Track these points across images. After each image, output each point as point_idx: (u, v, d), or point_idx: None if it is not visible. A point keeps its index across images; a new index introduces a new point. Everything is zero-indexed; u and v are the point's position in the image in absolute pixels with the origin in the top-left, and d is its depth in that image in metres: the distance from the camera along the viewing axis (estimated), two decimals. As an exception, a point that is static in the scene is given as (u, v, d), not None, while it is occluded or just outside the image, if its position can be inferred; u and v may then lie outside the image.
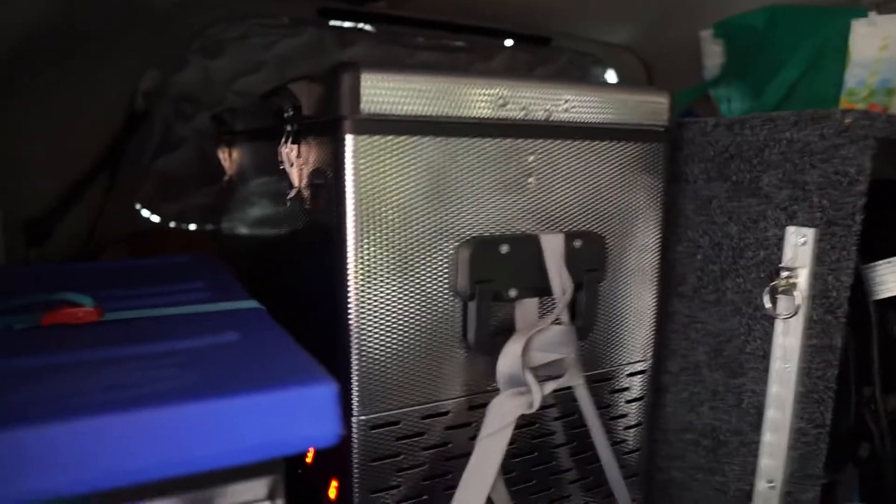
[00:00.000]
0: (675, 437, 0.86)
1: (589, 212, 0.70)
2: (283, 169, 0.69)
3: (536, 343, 0.64)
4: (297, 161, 0.68)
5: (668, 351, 0.86)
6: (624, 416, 0.78)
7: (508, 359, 0.63)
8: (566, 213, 0.69)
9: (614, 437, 0.77)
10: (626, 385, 0.78)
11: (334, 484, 0.67)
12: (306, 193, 0.68)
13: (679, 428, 0.86)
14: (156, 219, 1.20)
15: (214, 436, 0.39)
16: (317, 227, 0.66)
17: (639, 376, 0.78)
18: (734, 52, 1.06)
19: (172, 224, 1.22)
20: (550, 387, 0.64)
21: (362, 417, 0.61)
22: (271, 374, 0.43)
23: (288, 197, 0.69)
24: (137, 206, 1.19)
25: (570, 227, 0.69)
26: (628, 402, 0.78)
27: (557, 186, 0.68)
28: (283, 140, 0.68)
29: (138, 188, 1.16)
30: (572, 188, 0.69)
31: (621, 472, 0.71)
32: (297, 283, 0.74)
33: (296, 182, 0.69)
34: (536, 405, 0.63)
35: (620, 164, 0.71)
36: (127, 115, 1.00)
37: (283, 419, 0.41)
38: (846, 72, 0.95)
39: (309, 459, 0.74)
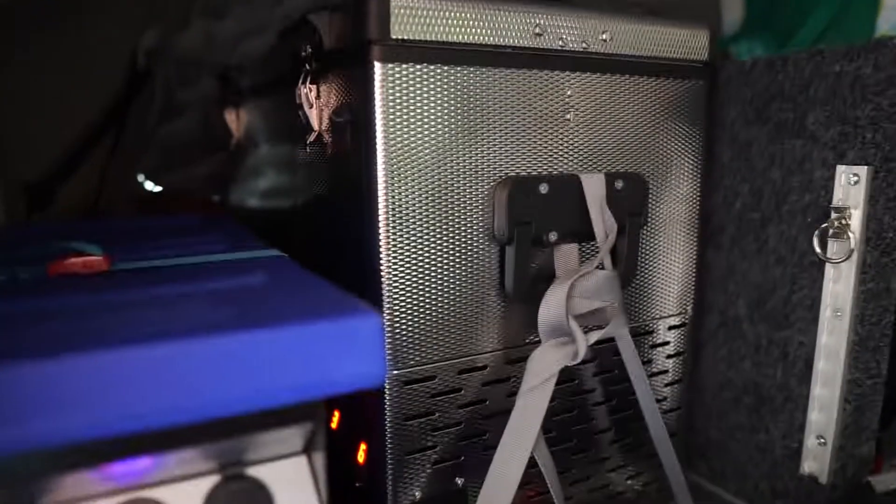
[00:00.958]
0: (713, 397, 0.82)
1: (628, 154, 0.66)
2: (302, 114, 0.65)
3: (579, 289, 0.60)
4: (316, 102, 0.64)
5: (705, 306, 0.82)
6: (664, 371, 0.74)
7: (551, 306, 0.59)
8: (606, 153, 0.64)
9: (655, 394, 0.73)
10: (667, 339, 0.73)
11: (363, 447, 0.63)
12: (327, 137, 0.63)
13: (717, 386, 0.82)
14: (159, 190, 1.15)
15: (249, 373, 0.35)
16: (340, 171, 0.62)
17: (679, 330, 0.74)
18: (755, 4, 1.02)
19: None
20: (595, 336, 0.60)
21: (394, 372, 0.57)
22: (309, 308, 0.39)
23: (308, 141, 0.64)
24: (140, 178, 1.14)
25: (610, 168, 0.65)
26: (668, 357, 0.74)
27: (596, 124, 0.63)
28: (301, 80, 0.63)
29: (141, 157, 1.11)
30: (611, 127, 0.64)
31: (664, 422, 0.67)
32: (318, 235, 0.69)
33: (315, 125, 0.64)
34: (581, 355, 0.59)
35: (660, 103, 0.67)
36: (128, 75, 0.95)
37: (325, 354, 0.36)
38: (878, 16, 0.90)
39: (334, 425, 0.69)
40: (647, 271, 0.70)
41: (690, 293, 0.75)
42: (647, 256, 0.70)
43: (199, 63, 1.16)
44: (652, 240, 0.70)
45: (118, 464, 0.36)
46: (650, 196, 0.68)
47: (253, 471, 0.41)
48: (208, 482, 0.39)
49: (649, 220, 0.69)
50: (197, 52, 1.14)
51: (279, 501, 0.40)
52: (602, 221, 0.61)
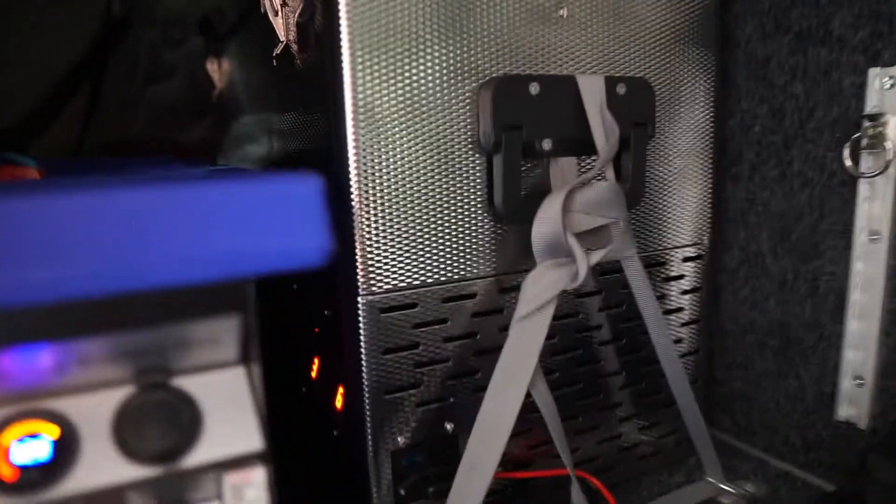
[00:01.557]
0: (735, 343, 0.75)
1: (631, 63, 0.59)
2: (270, 26, 0.58)
3: (579, 202, 0.52)
4: (281, 9, 0.57)
5: (723, 244, 0.74)
6: (679, 310, 0.66)
7: (546, 220, 0.51)
8: (605, 56, 0.57)
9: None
10: (681, 272, 0.66)
11: (340, 391, 0.56)
12: (294, 47, 0.56)
13: (739, 331, 0.74)
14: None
15: (172, 230, 0.28)
16: (310, 79, 0.55)
17: (694, 263, 0.66)
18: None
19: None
20: (598, 256, 0.53)
21: (369, 297, 0.50)
22: (247, 176, 0.32)
23: (274, 54, 0.58)
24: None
25: (612, 73, 0.57)
26: (683, 293, 0.67)
27: (594, 23, 0.56)
28: (265, -15, 0.56)
29: (126, 122, 1.05)
30: (611, 29, 0.57)
31: (682, 365, 0.59)
32: (288, 151, 0.62)
33: (282, 34, 0.57)
34: (582, 277, 0.51)
35: (666, 22, 0.60)
36: (103, 23, 0.89)
37: (257, 216, 0.29)
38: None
39: (314, 373, 0.62)
40: (656, 198, 0.63)
41: (706, 223, 0.67)
42: (657, 183, 0.63)
43: (184, 22, 1.10)
44: (662, 167, 0.63)
45: (5, 357, 0.29)
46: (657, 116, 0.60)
47: (178, 382, 0.34)
48: (121, 392, 0.33)
49: (657, 146, 0.61)
50: (181, 13, 1.08)
51: (210, 417, 0.33)
52: (602, 126, 0.54)
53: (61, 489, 0.30)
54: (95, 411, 0.32)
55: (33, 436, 0.31)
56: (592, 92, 0.54)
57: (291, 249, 0.30)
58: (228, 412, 0.33)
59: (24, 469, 0.30)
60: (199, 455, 0.32)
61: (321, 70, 0.50)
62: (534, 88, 0.52)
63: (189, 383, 0.34)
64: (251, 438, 0.33)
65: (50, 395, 0.32)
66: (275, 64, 0.60)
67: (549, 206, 0.52)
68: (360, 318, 0.50)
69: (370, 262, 0.50)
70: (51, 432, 0.31)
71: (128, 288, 0.27)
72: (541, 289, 0.52)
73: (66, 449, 0.31)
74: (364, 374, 0.51)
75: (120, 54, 1.00)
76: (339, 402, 0.57)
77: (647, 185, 0.61)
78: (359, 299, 0.50)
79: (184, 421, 0.32)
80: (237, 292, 0.32)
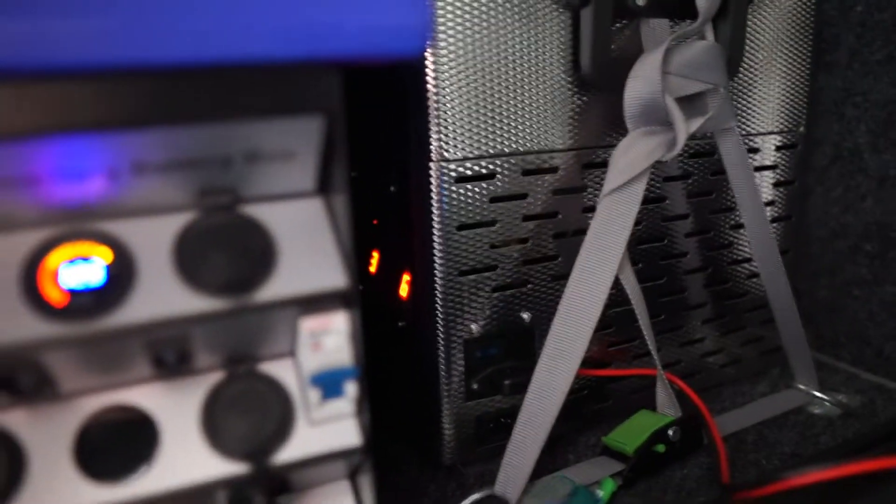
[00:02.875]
0: (823, 250, 0.68)
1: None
2: None
3: (676, 63, 0.46)
4: None
5: (812, 142, 0.68)
6: (770, 203, 0.60)
7: (642, 80, 0.45)
8: None
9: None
10: (773, 161, 0.59)
11: (406, 279, 0.51)
12: None
13: (828, 236, 0.68)
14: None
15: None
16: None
17: (788, 152, 0.60)
18: None
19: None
20: (697, 123, 0.47)
21: (443, 164, 0.44)
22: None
23: None
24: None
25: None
26: (776, 185, 0.60)
27: None
28: None
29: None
30: None
31: (780, 258, 0.54)
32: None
33: None
34: (681, 144, 0.45)
35: None
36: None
37: None
38: None
39: (373, 268, 0.57)
40: (748, 80, 0.56)
41: (802, 110, 0.60)
42: (749, 67, 0.56)
43: None
44: (754, 52, 0.56)
45: (51, 153, 0.24)
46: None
47: (250, 209, 0.28)
48: (183, 217, 0.28)
49: (750, 31, 0.55)
50: None
51: (283, 245, 0.28)
52: (704, -22, 0.47)
53: (116, 318, 0.26)
54: (154, 235, 0.27)
55: (85, 259, 0.26)
56: (693, -61, 0.48)
57: (386, 25, 0.24)
58: (306, 244, 0.28)
59: (74, 294, 0.25)
60: (272, 290, 0.27)
61: None
62: (629, -70, 0.46)
63: (260, 211, 0.29)
64: (332, 274, 0.28)
65: (103, 215, 0.27)
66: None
67: (646, 64, 0.45)
68: (433, 187, 0.45)
69: (444, 125, 0.44)
70: (104, 255, 0.26)
71: (186, 56, 0.22)
72: (633, 158, 0.46)
73: (120, 274, 0.26)
74: (436, 251, 0.46)
75: None
76: (404, 292, 0.52)
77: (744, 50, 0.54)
78: (431, 165, 0.45)
79: (254, 249, 0.27)
80: (319, 86, 0.26)
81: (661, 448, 0.49)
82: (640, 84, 0.46)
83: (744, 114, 0.57)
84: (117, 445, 0.29)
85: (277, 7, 0.23)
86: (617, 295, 0.51)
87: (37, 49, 0.21)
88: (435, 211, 0.46)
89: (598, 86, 0.48)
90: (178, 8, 0.22)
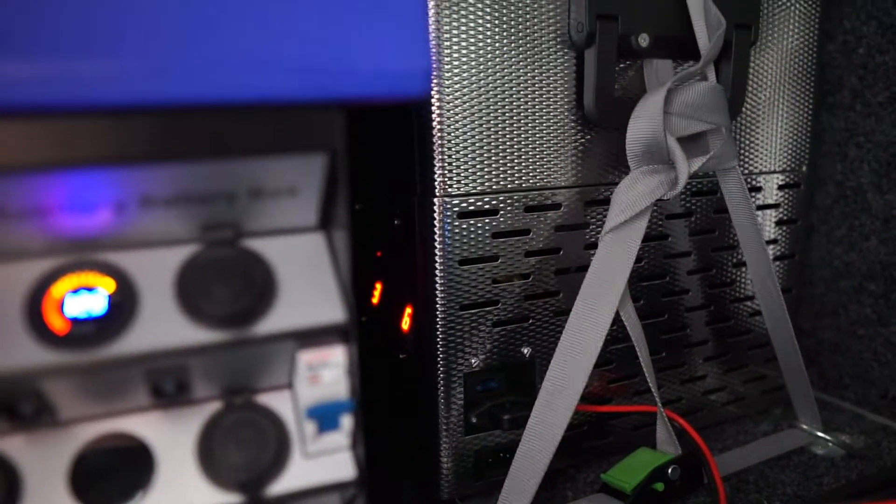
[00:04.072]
0: (827, 289, 0.68)
1: None
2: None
3: (678, 103, 0.47)
4: None
5: (816, 181, 0.68)
6: (772, 241, 0.61)
7: (645, 120, 0.46)
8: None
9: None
10: (776, 201, 0.60)
11: (408, 312, 0.51)
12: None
13: (832, 276, 0.68)
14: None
15: (249, 35, 0.23)
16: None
17: (791, 191, 0.60)
18: None
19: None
20: (699, 162, 0.47)
21: (446, 199, 0.45)
22: None
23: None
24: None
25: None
26: (778, 224, 0.61)
27: None
28: None
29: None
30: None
31: (782, 298, 0.54)
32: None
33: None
34: (682, 183, 0.46)
35: None
36: None
37: (351, 27, 0.24)
38: None
39: (375, 299, 0.58)
40: (752, 117, 0.57)
41: (805, 150, 0.61)
42: (753, 102, 0.57)
43: None
44: (757, 93, 0.57)
45: (61, 187, 0.25)
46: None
47: (251, 243, 0.29)
48: (186, 250, 0.28)
49: (754, 60, 0.55)
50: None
51: (283, 279, 0.28)
52: (704, 21, 0.48)
53: (116, 347, 0.26)
54: (157, 267, 0.28)
55: (89, 289, 0.27)
56: (695, -17, 0.49)
57: (389, 69, 0.25)
58: (306, 279, 0.29)
59: (76, 322, 0.26)
60: (271, 323, 0.28)
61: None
62: (632, -26, 0.47)
63: (262, 245, 0.29)
64: (331, 309, 0.29)
65: (108, 247, 0.28)
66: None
67: (648, 104, 0.46)
68: (436, 222, 0.46)
69: (448, 161, 0.45)
70: (107, 286, 0.27)
71: (194, 96, 0.23)
72: (636, 196, 0.46)
73: (123, 305, 0.27)
74: (438, 285, 0.47)
75: None
76: (406, 325, 0.52)
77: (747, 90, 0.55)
78: (435, 200, 0.45)
79: (255, 283, 0.28)
80: (322, 125, 0.27)
81: (659, 486, 0.49)
82: (643, 124, 0.46)
83: (747, 153, 0.58)
84: (113, 473, 0.29)
85: (283, 50, 0.24)
86: (618, 331, 0.52)
87: (48, 88, 0.22)
88: (437, 245, 0.46)
89: (601, 124, 0.49)
90: (188, 50, 0.23)
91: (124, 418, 0.30)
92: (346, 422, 0.31)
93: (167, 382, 0.28)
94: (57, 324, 0.26)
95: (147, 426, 0.30)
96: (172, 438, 0.30)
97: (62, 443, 0.29)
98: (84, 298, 0.27)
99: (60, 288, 0.27)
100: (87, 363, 0.27)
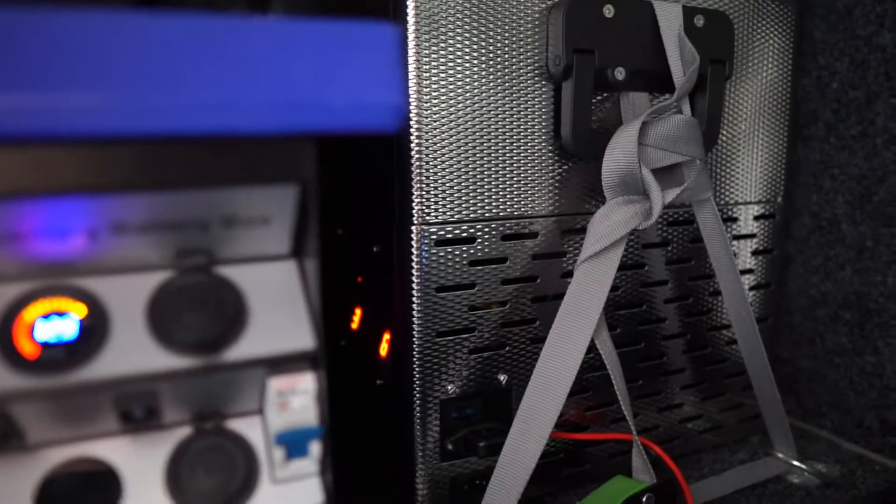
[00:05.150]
0: (804, 318, 0.69)
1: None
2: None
3: (653, 135, 0.48)
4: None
5: (792, 211, 0.69)
6: (749, 271, 0.61)
7: (619, 151, 0.47)
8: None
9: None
10: (752, 231, 0.61)
11: (386, 337, 0.52)
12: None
13: (809, 305, 0.69)
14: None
15: (226, 70, 0.24)
16: (365, 6, 0.51)
17: (766, 222, 0.61)
18: None
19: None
20: (673, 193, 0.48)
21: (424, 227, 0.46)
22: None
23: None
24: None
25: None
26: (754, 253, 0.61)
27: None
28: None
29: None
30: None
31: (757, 327, 0.54)
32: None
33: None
34: (656, 214, 0.47)
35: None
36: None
37: (323, 63, 0.25)
38: None
39: (355, 324, 0.58)
40: (728, 148, 0.58)
41: (780, 182, 0.62)
42: (728, 134, 0.58)
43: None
44: (734, 118, 0.58)
45: (35, 215, 0.25)
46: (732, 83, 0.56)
47: (224, 271, 0.30)
48: (158, 276, 0.29)
49: (730, 93, 0.57)
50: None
51: (254, 305, 0.29)
52: (679, 56, 0.49)
53: (86, 372, 0.27)
54: (129, 293, 0.28)
55: (60, 314, 0.27)
56: (670, 19, 0.50)
57: (362, 104, 0.26)
58: (277, 306, 0.29)
59: (46, 346, 0.26)
60: (241, 350, 0.28)
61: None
62: (608, 11, 0.48)
63: (235, 272, 0.30)
64: (301, 336, 0.29)
65: (81, 272, 0.28)
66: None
67: (623, 136, 0.47)
68: (413, 249, 0.46)
69: (426, 190, 0.46)
70: (79, 311, 0.27)
71: (170, 130, 0.23)
72: (611, 226, 0.47)
73: (94, 330, 0.27)
74: (415, 312, 0.47)
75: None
76: (384, 350, 0.53)
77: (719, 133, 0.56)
78: (413, 228, 0.46)
79: (226, 310, 0.28)
80: (294, 156, 0.28)
81: (634, 515, 0.49)
82: (618, 155, 0.47)
83: (724, 184, 0.59)
84: (80, 497, 0.29)
85: (257, 85, 0.24)
86: (595, 359, 0.52)
87: (28, 118, 0.22)
88: (415, 272, 0.47)
89: (578, 155, 0.50)
90: (165, 85, 0.23)
91: (93, 443, 0.30)
92: (315, 448, 0.31)
93: (136, 408, 0.28)
94: (27, 348, 0.27)
95: (115, 451, 0.30)
96: (141, 463, 0.30)
97: (30, 466, 0.29)
98: (55, 323, 0.27)
99: (32, 313, 0.27)
100: (57, 388, 0.27)
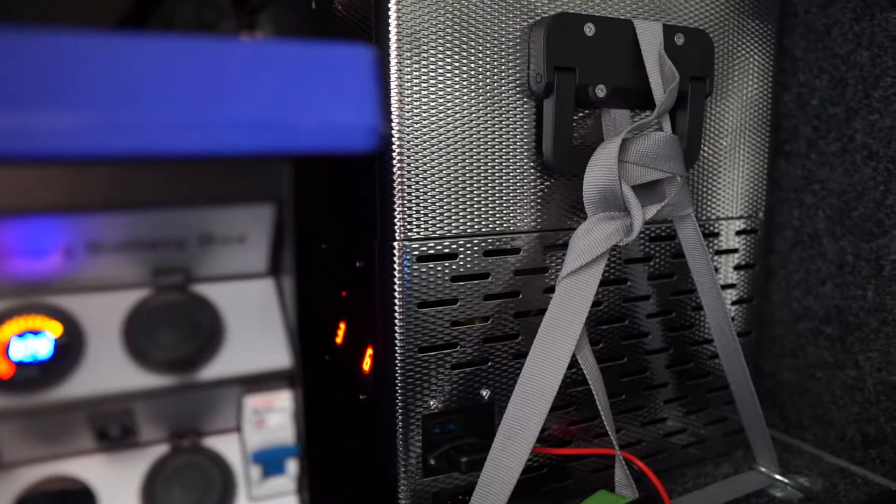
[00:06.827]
0: (786, 332, 0.70)
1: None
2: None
3: (634, 153, 0.48)
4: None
5: (774, 226, 0.70)
6: (731, 286, 0.62)
7: (600, 168, 0.47)
8: (662, 10, 0.53)
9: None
10: (734, 246, 0.61)
11: (369, 353, 0.52)
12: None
13: (791, 319, 0.69)
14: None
15: (203, 92, 0.24)
16: (351, 19, 0.51)
17: (748, 237, 0.62)
18: None
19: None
20: (653, 210, 0.49)
21: (406, 243, 0.46)
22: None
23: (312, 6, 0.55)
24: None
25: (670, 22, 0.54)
26: (736, 268, 0.62)
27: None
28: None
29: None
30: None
31: (739, 342, 0.55)
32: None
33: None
34: (637, 230, 0.47)
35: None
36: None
37: (300, 85, 0.25)
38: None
39: (339, 339, 0.58)
40: (709, 164, 0.59)
41: (761, 197, 0.63)
42: (710, 150, 0.58)
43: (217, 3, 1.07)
44: (715, 134, 0.58)
45: (10, 234, 0.25)
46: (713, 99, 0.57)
47: (200, 289, 0.30)
48: (135, 294, 0.29)
49: (711, 109, 0.57)
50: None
51: (231, 324, 0.29)
52: (660, 74, 0.50)
53: (61, 391, 0.27)
54: (105, 311, 0.28)
55: (35, 332, 0.27)
56: (650, 38, 0.51)
57: (337, 125, 0.26)
58: (254, 324, 0.29)
59: (20, 366, 0.26)
60: (218, 368, 0.28)
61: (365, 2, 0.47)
62: (589, 29, 0.49)
63: (211, 291, 0.30)
64: (278, 355, 0.29)
65: (56, 290, 0.28)
66: (314, 6, 0.56)
67: (603, 153, 0.48)
68: (395, 265, 0.46)
69: (408, 206, 0.46)
70: (54, 329, 0.27)
71: (146, 150, 0.24)
72: (592, 242, 0.47)
73: (69, 348, 0.27)
74: (397, 328, 0.47)
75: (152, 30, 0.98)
76: (366, 365, 0.53)
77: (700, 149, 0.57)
78: (395, 244, 0.46)
79: (202, 328, 0.28)
80: (271, 175, 0.28)
81: (616, 530, 0.49)
82: (599, 172, 0.48)
83: (706, 199, 0.59)
84: (55, 518, 0.29)
85: (233, 106, 0.25)
86: (578, 374, 0.52)
87: (3, 140, 0.23)
88: (397, 288, 0.47)
89: (559, 171, 0.50)
90: (140, 106, 0.24)
91: (68, 461, 0.30)
92: (292, 466, 0.31)
93: (112, 426, 0.28)
94: (1, 367, 0.27)
95: (91, 469, 0.30)
96: (117, 481, 0.30)
97: (5, 485, 0.29)
98: (30, 342, 0.27)
99: (6, 331, 0.27)
100: (32, 407, 0.27)
